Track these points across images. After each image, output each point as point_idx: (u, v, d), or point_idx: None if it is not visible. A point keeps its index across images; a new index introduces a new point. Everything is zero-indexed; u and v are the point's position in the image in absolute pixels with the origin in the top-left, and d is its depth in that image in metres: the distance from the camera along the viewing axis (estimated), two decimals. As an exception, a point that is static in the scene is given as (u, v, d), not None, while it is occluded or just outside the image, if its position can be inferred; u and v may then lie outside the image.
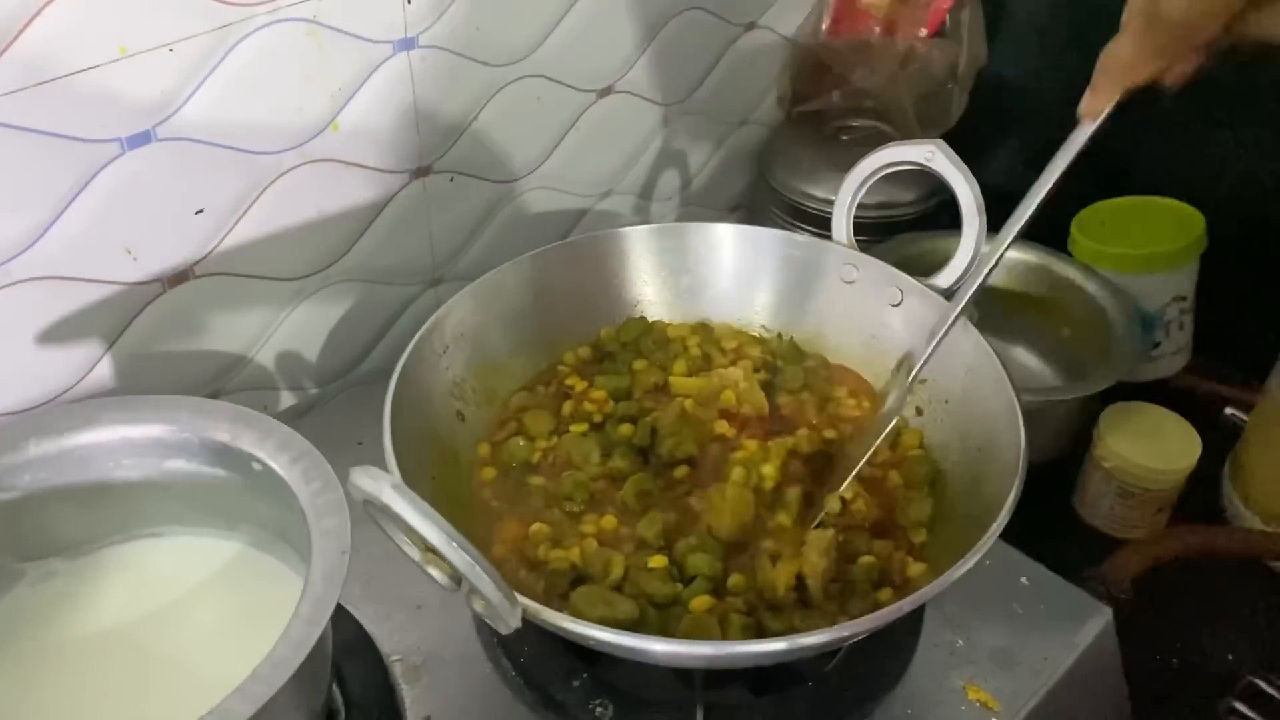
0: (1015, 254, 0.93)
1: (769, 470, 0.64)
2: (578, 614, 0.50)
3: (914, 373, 0.65)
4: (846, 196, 0.69)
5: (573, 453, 0.65)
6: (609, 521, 0.62)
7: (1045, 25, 1.00)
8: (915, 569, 0.60)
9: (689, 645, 0.52)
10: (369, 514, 0.47)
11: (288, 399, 0.84)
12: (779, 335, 0.74)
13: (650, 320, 0.75)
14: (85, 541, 0.60)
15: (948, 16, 1.03)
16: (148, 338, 0.72)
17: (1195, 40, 0.53)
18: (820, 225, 0.73)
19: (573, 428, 0.68)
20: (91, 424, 0.56)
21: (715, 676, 0.61)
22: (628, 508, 0.63)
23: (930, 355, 0.64)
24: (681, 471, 0.65)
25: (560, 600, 0.57)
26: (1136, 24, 0.54)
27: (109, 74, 0.62)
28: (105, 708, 0.54)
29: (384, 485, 0.43)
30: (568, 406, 0.69)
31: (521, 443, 0.67)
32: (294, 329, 0.80)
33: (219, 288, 0.74)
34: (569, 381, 0.71)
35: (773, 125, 1.10)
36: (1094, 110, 0.58)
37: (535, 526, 0.62)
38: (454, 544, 0.44)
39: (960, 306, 0.63)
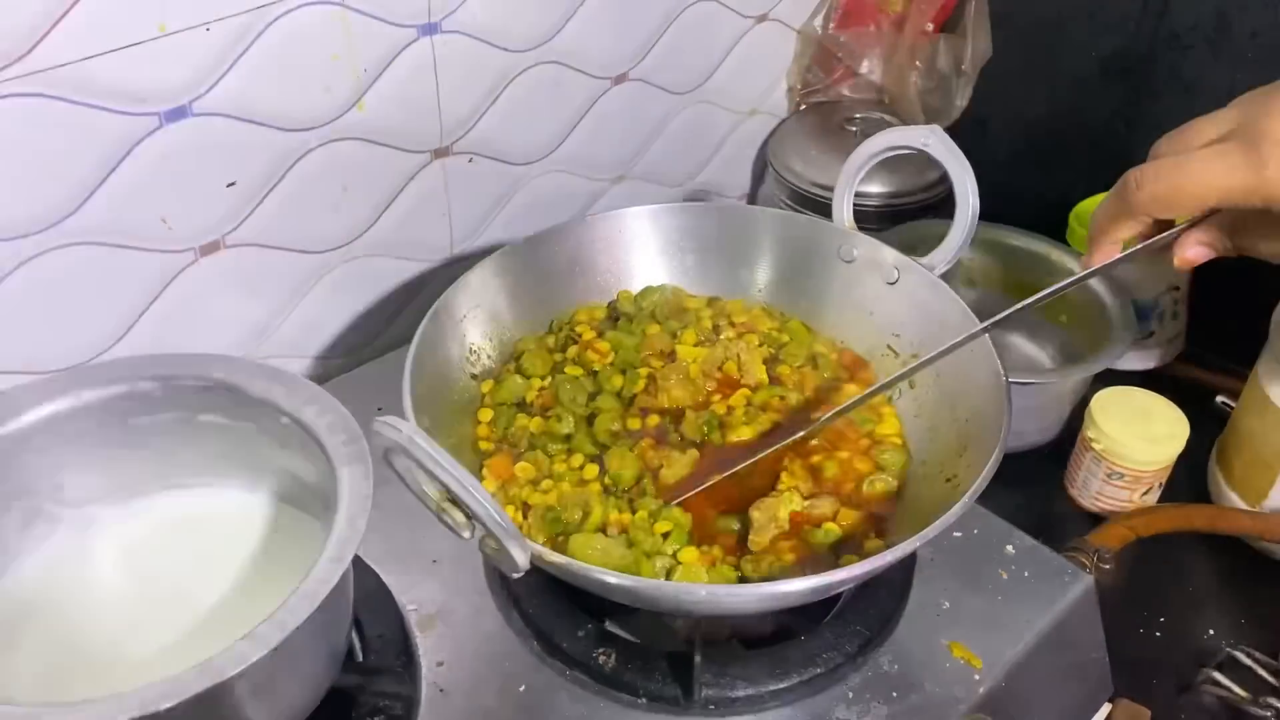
0: (1015, 242, 0.96)
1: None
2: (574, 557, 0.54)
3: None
4: (847, 179, 0.72)
5: (561, 392, 0.69)
6: (576, 460, 0.66)
7: (1049, 20, 1.03)
8: (873, 544, 0.62)
9: (696, 587, 0.55)
10: (389, 463, 0.51)
11: (310, 368, 0.87)
12: (781, 314, 0.77)
13: (670, 288, 0.78)
14: (122, 489, 0.63)
15: (954, 11, 1.06)
16: (180, 304, 0.75)
17: (1163, 216, 0.57)
18: (826, 214, 0.76)
19: (568, 369, 0.71)
20: (130, 378, 0.60)
21: (711, 629, 0.64)
22: (599, 446, 0.67)
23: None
24: (654, 420, 0.69)
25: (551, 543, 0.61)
26: (1115, 192, 0.58)
27: (149, 51, 0.66)
28: (141, 646, 0.57)
29: (408, 431, 0.46)
30: (571, 350, 0.73)
31: (519, 380, 0.71)
32: (317, 301, 0.84)
33: (248, 258, 0.78)
34: (579, 329, 0.74)
35: (781, 116, 1.14)
36: (1097, 263, 0.62)
37: (520, 465, 0.66)
38: (469, 487, 0.47)
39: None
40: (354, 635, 0.63)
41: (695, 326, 0.74)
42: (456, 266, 0.92)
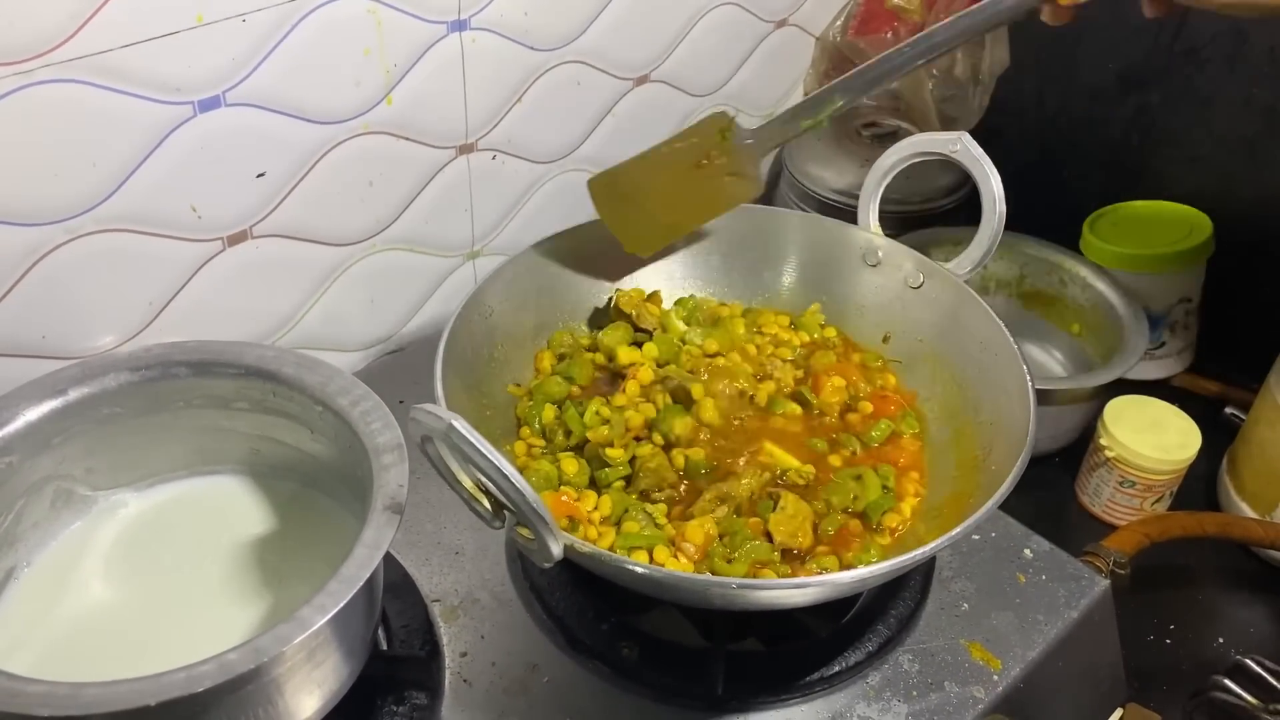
0: (1029, 250, 0.97)
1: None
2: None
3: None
4: (873, 183, 0.72)
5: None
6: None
7: (1067, 31, 1.04)
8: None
9: (727, 580, 0.55)
10: (423, 450, 0.51)
11: (331, 361, 0.87)
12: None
13: (700, 298, 0.79)
14: (153, 475, 0.64)
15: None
16: (206, 292, 0.76)
17: None
18: (840, 217, 0.77)
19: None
20: (163, 364, 0.60)
21: (733, 625, 0.65)
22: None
23: None
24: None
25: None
26: None
27: (186, 40, 0.66)
28: (169, 629, 0.58)
29: (452, 418, 0.47)
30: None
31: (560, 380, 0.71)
32: (340, 293, 0.84)
33: (274, 249, 0.78)
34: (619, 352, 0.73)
35: (798, 120, 1.14)
36: None
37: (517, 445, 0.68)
38: (509, 475, 0.47)
39: None
40: (380, 625, 0.64)
41: (727, 333, 0.74)
42: (476, 263, 0.92)
